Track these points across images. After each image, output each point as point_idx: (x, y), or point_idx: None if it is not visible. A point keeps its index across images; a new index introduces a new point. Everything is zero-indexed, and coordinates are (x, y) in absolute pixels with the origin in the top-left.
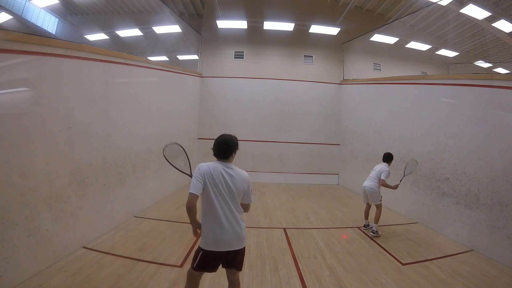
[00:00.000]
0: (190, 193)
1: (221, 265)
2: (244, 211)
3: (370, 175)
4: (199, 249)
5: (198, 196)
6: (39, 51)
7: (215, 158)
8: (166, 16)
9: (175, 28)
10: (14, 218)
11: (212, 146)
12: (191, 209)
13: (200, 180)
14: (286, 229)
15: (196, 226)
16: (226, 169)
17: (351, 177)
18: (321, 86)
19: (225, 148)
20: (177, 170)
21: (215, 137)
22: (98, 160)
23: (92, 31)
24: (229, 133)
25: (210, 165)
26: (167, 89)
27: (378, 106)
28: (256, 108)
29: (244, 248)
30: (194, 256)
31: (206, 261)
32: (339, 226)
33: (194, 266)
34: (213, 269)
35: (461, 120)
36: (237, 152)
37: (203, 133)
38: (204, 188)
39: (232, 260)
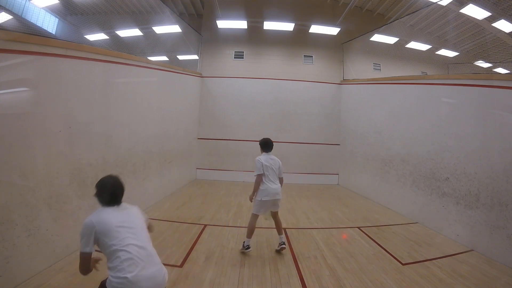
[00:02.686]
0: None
1: None
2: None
3: (272, 173)
4: None
5: None
6: (39, 51)
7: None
8: (166, 16)
9: (175, 28)
10: (14, 218)
11: (100, 192)
12: None
13: None
14: (286, 229)
15: None
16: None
17: (351, 177)
18: (321, 86)
19: (121, 192)
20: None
21: (215, 137)
22: (98, 160)
23: (92, 31)
24: (113, 174)
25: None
26: (167, 89)
27: (378, 106)
28: (256, 108)
29: None
30: None
31: None
32: (339, 226)
33: None
34: None
35: (461, 120)
36: (237, 152)
37: (203, 133)
38: None
39: None
